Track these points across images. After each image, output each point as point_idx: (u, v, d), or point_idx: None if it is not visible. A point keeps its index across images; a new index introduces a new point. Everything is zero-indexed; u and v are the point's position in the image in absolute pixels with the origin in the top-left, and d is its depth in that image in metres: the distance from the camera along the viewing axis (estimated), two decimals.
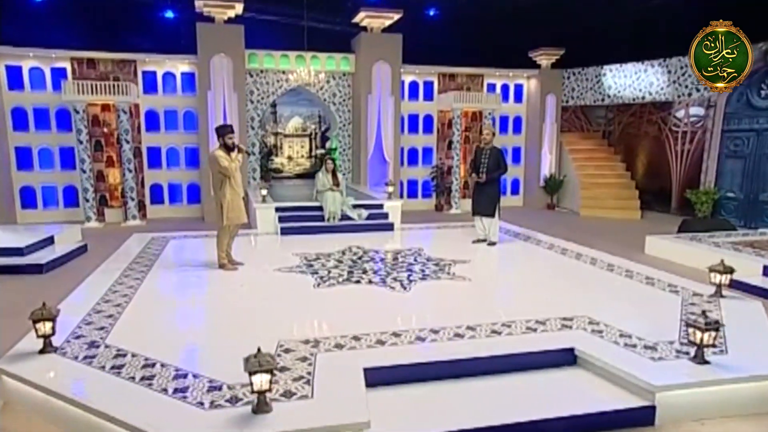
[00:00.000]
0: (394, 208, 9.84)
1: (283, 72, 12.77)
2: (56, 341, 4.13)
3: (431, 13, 14.77)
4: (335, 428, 3.07)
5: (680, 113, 13.46)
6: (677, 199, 13.50)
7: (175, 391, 3.44)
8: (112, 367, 3.78)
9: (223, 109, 11.82)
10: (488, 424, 3.39)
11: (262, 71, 12.73)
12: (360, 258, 7.27)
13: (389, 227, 9.46)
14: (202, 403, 3.29)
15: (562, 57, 14.59)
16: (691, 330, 3.90)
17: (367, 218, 9.44)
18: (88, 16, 11.97)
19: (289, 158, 15.22)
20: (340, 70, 13.22)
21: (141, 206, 12.17)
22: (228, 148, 6.38)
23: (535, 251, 8.06)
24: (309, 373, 3.69)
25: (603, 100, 14.32)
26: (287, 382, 3.56)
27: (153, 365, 3.81)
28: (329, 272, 6.51)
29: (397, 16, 12.58)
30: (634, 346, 4.21)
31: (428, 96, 14.17)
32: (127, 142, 11.65)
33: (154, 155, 12.50)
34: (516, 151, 15.23)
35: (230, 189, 6.38)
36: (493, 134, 8.29)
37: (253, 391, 3.16)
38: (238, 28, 11.80)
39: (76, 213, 11.91)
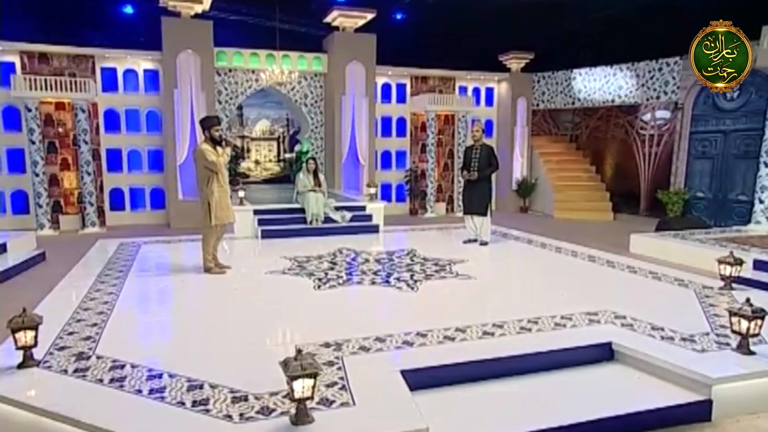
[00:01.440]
0: (377, 210, 9.52)
1: (253, 71, 12.28)
2: (36, 354, 3.57)
3: (398, 17, 14.66)
4: None
5: (647, 116, 13.82)
6: (646, 201, 13.81)
7: (195, 403, 2.99)
8: (112, 381, 3.28)
9: (190, 109, 11.20)
10: (543, 427, 3.10)
11: (230, 70, 12.19)
12: (354, 259, 6.91)
13: (374, 229, 9.13)
14: (229, 416, 2.85)
15: (532, 61, 14.74)
16: (735, 319, 3.76)
17: (351, 220, 9.08)
18: (41, 7, 11.15)
19: (257, 162, 14.68)
20: (312, 71, 12.84)
21: (100, 212, 11.33)
22: (215, 142, 5.91)
23: (529, 250, 7.92)
24: (342, 378, 3.31)
25: (573, 103, 14.53)
26: (320, 388, 3.16)
27: (159, 376, 3.33)
28: (326, 274, 6.11)
29: (370, 16, 12.34)
30: (672, 338, 4.05)
31: (401, 98, 13.98)
32: (86, 143, 10.84)
33: (114, 158, 11.71)
34: None
35: (218, 186, 5.91)
36: (483, 132, 8.13)
37: (293, 399, 2.76)
38: (206, 24, 11.25)
39: (26, 220, 10.95)
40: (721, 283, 5.62)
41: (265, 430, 2.74)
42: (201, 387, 3.19)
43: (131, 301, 5.12)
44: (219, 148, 5.93)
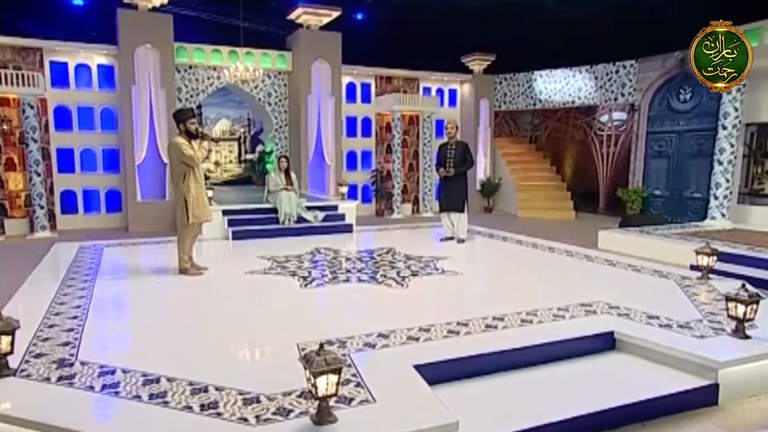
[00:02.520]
0: (349, 209, 9.38)
1: (214, 68, 11.89)
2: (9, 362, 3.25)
3: (361, 16, 14.60)
4: None
5: (604, 118, 14.26)
6: (605, 200, 14.24)
7: (203, 407, 2.78)
8: (105, 387, 3.01)
9: (149, 107, 10.73)
10: (560, 418, 3.06)
11: (191, 67, 11.75)
12: (335, 258, 6.74)
13: (348, 229, 8.98)
14: (244, 419, 2.66)
15: (494, 62, 14.96)
16: (732, 304, 3.85)
17: (324, 220, 8.89)
18: None
19: (217, 164, 14.22)
20: (276, 69, 12.56)
21: (50, 216, 10.66)
22: (190, 135, 5.63)
23: (506, 247, 7.97)
24: (354, 375, 3.16)
25: (534, 105, 14.85)
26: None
27: (157, 380, 3.09)
28: (310, 273, 5.93)
29: (336, 14, 12.21)
30: (669, 326, 4.11)
31: (366, 98, 13.89)
32: (34, 141, 10.18)
33: (66, 158, 11.05)
34: None
35: (194, 182, 5.63)
36: (457, 128, 8.14)
37: (316, 397, 2.60)
38: (166, 18, 10.81)
39: None
40: (698, 274, 5.80)
41: (288, 431, 2.57)
42: (206, 390, 2.97)
43: (106, 304, 4.78)
44: (194, 142, 5.66)
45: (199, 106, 13.35)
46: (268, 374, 3.22)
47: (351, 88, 13.63)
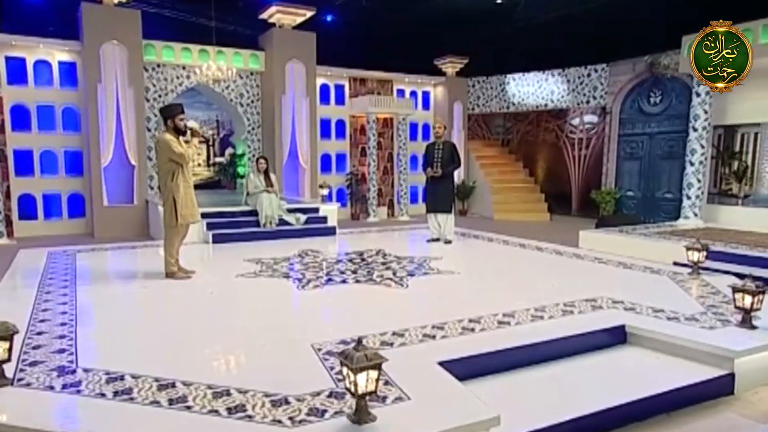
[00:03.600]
0: (331, 211, 9.28)
1: (184, 67, 11.59)
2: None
3: (333, 17, 14.55)
4: (468, 428, 2.55)
5: (575, 121, 14.62)
6: (578, 202, 14.58)
7: (231, 411, 2.65)
8: (117, 393, 2.84)
9: (116, 106, 10.35)
10: (586, 413, 3.06)
11: (159, 65, 11.41)
12: (324, 260, 6.63)
13: (331, 231, 8.87)
14: (278, 421, 2.55)
15: (467, 65, 15.15)
16: (739, 295, 3.97)
17: (305, 223, 8.76)
18: None
19: None
20: (248, 68, 12.34)
21: (7, 222, 10.11)
22: (179, 132, 5.44)
23: (494, 247, 8.03)
24: (381, 374, 3.08)
25: (508, 108, 15.10)
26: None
27: (172, 385, 2.94)
28: (303, 275, 5.81)
29: (310, 14, 12.12)
30: (677, 319, 4.20)
31: (340, 100, 13.81)
32: None
33: (24, 160, 10.51)
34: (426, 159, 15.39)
35: (183, 181, 5.44)
36: (445, 128, 8.18)
37: (355, 395, 2.52)
38: (133, 13, 10.49)
39: None
40: (684, 270, 5.99)
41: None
42: (228, 393, 2.84)
43: (94, 310, 4.55)
44: (182, 139, 5.47)
45: None
46: (288, 375, 3.12)
47: (325, 89, 13.53)
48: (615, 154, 13.14)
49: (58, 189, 10.85)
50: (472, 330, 3.93)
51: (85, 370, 3.16)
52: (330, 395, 2.82)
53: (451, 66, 15.02)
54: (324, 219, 9.12)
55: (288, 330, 4.07)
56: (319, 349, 3.50)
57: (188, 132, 5.48)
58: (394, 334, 3.81)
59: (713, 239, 8.21)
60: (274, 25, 12.13)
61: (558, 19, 13.16)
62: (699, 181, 10.23)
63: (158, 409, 2.68)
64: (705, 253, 5.89)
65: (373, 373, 2.52)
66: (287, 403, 2.74)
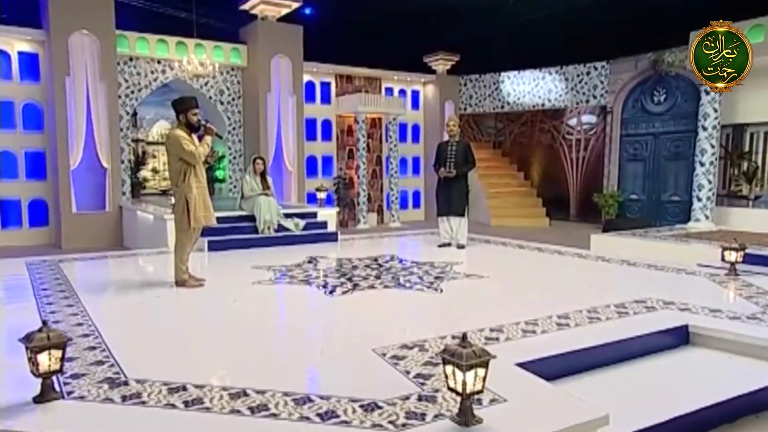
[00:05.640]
0: (330, 216, 9.29)
1: (159, 61, 11.46)
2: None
3: (317, 11, 14.62)
4: (577, 428, 2.62)
5: (572, 121, 15.03)
6: (576, 206, 14.95)
7: (322, 417, 2.66)
8: (188, 404, 2.81)
9: (86, 103, 10.16)
10: (681, 413, 3.16)
11: (132, 59, 11.25)
12: (341, 266, 6.65)
13: (332, 237, 8.87)
14: (378, 425, 2.57)
15: (458, 63, 15.42)
16: None
17: (305, 228, 8.75)
18: None
19: (155, 171, 13.60)
20: (229, 63, 12.28)
21: None
22: (192, 128, 5.39)
23: (511, 251, 8.18)
24: None
25: (502, 107, 15.42)
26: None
27: (245, 393, 2.92)
28: (326, 282, 5.82)
29: (295, 5, 12.19)
30: (738, 318, 4.39)
31: (326, 99, 13.86)
32: None
33: None
34: (416, 161, 15.57)
35: (196, 181, 5.37)
36: (459, 126, 8.33)
37: (461, 394, 2.56)
38: (105, 1, 10.31)
39: None
40: (711, 271, 6.25)
41: None
42: (310, 399, 2.84)
43: (112, 320, 4.45)
44: (194, 136, 5.43)
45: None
46: (365, 380, 3.15)
47: (310, 87, 13.56)
48: (617, 156, 13.55)
49: (17, 195, 10.53)
50: (533, 332, 4.02)
51: (138, 381, 3.11)
52: (420, 399, 2.86)
53: (442, 63, 15.26)
54: (324, 224, 9.12)
55: (342, 336, 4.10)
56: (383, 354, 3.52)
57: (201, 128, 5.44)
58: (453, 337, 3.86)
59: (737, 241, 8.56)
60: (256, 17, 12.12)
61: (556, 15, 13.56)
62: (710, 182, 10.65)
63: (245, 418, 2.67)
64: (743, 253, 6.15)
65: (481, 371, 2.57)
66: (378, 407, 2.75)
